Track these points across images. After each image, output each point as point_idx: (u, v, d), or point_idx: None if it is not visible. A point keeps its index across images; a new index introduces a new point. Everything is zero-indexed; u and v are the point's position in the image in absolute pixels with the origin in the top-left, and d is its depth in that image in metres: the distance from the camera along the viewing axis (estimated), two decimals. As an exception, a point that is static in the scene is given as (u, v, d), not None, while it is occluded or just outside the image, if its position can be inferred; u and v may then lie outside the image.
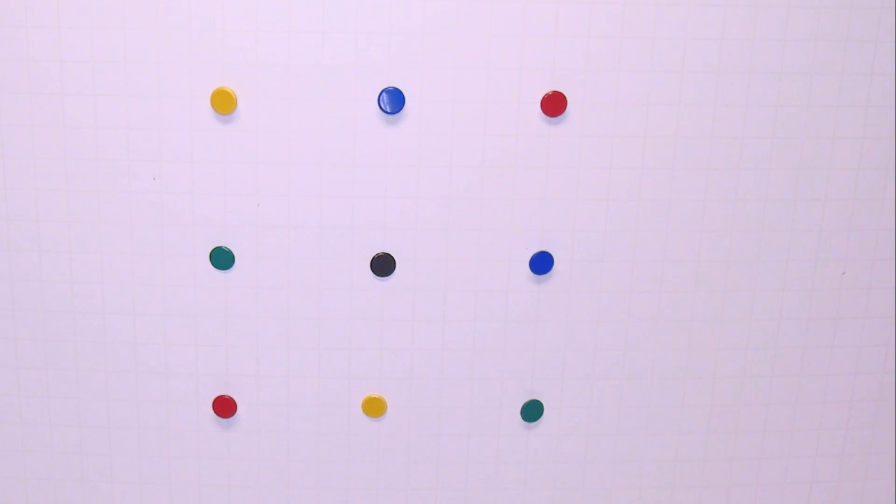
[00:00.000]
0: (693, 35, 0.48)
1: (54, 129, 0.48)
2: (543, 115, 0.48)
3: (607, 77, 0.48)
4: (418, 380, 0.52)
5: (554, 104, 0.48)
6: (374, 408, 0.52)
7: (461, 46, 0.48)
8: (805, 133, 0.50)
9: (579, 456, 0.53)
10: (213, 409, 0.52)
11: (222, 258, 0.49)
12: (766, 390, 0.53)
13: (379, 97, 0.48)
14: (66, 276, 0.50)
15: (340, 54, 0.47)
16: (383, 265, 0.50)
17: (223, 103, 0.47)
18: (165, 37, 0.47)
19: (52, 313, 0.50)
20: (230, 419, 0.52)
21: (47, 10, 0.47)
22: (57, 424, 0.52)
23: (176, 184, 0.49)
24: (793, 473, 0.54)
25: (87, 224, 0.49)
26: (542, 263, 0.50)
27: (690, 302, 0.51)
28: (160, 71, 0.47)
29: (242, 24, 0.47)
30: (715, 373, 0.52)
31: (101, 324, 0.50)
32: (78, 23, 0.47)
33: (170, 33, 0.47)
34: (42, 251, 0.49)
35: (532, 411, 0.52)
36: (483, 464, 0.53)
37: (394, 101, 0.48)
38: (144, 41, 0.47)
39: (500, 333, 0.51)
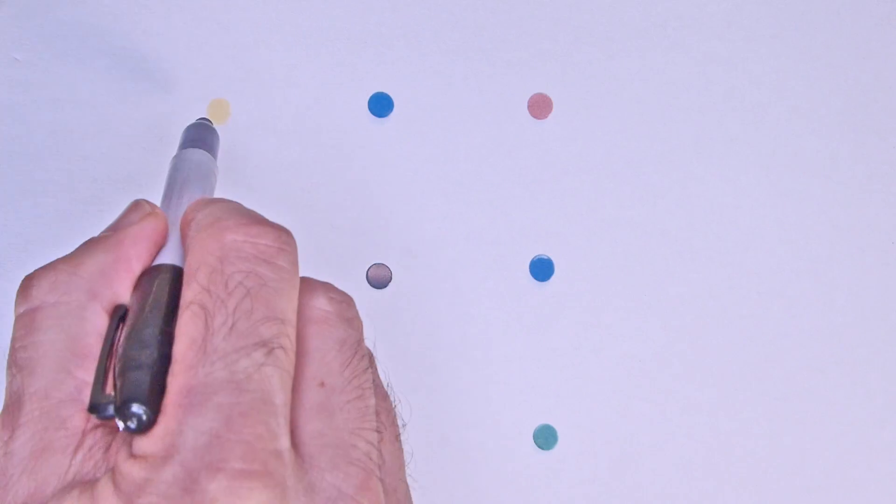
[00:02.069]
0: (696, 35, 0.48)
1: (49, 135, 0.48)
2: (538, 118, 0.48)
3: (607, 81, 0.48)
4: (417, 394, 0.52)
5: (540, 107, 0.48)
6: None
7: (452, 49, 0.48)
8: (809, 134, 0.50)
9: (583, 464, 0.53)
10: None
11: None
12: (776, 393, 0.53)
13: (368, 102, 0.48)
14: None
15: (331, 61, 0.48)
16: (379, 277, 0.50)
17: (217, 114, 0.48)
18: (161, 49, 0.47)
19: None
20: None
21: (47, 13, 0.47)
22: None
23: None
24: (797, 474, 0.53)
25: (77, 236, 0.49)
26: (542, 270, 0.50)
27: (699, 308, 0.51)
28: (159, 80, 0.47)
29: (236, 38, 0.47)
30: (724, 378, 0.52)
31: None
32: (73, 32, 0.47)
33: (166, 46, 0.47)
34: (33, 258, 0.49)
35: (546, 437, 0.51)
36: (491, 482, 0.53)
37: (382, 105, 0.48)
38: (139, 53, 0.47)
39: (500, 340, 0.51)
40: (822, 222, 0.51)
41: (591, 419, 0.52)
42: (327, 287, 0.31)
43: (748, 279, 0.51)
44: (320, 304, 0.30)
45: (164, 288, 0.29)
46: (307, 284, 0.30)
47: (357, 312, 0.31)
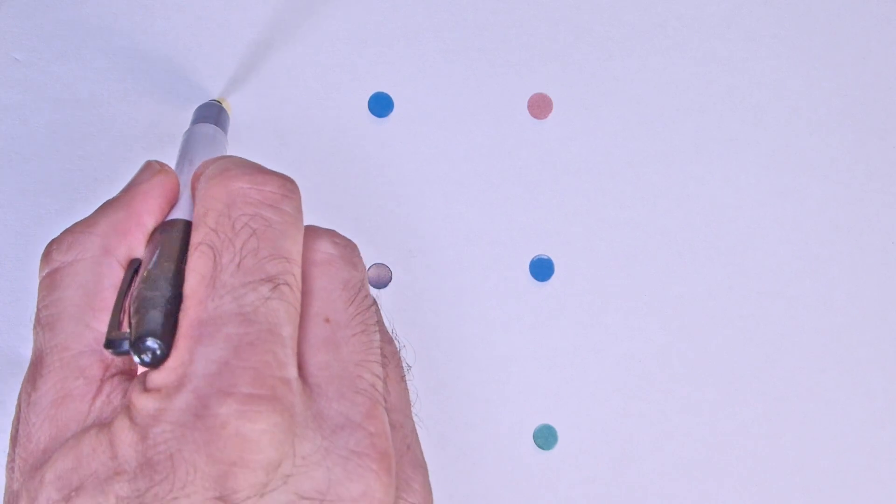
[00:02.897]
0: (696, 35, 0.48)
1: (49, 135, 0.48)
2: (538, 118, 0.48)
3: (608, 80, 0.48)
4: (418, 396, 0.52)
5: (540, 107, 0.48)
6: None
7: (452, 49, 0.48)
8: (809, 134, 0.50)
9: (583, 464, 0.53)
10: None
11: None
12: (776, 393, 0.53)
13: (368, 102, 0.48)
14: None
15: (331, 61, 0.48)
16: (379, 277, 0.50)
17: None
18: (161, 49, 0.47)
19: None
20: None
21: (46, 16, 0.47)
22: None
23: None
24: (797, 474, 0.53)
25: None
26: (542, 270, 0.50)
27: (699, 308, 0.51)
28: (159, 80, 0.47)
29: (236, 38, 0.47)
30: (724, 378, 0.52)
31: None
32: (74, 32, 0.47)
33: (166, 46, 0.47)
34: (33, 258, 0.49)
35: (546, 437, 0.51)
36: (491, 483, 0.53)
37: (382, 105, 0.48)
38: (139, 52, 0.47)
39: (500, 340, 0.51)
40: (822, 222, 0.51)
41: (591, 419, 0.51)
42: (331, 233, 0.32)
43: (748, 279, 0.51)
44: (325, 247, 0.31)
45: (176, 238, 0.31)
46: (312, 230, 0.32)
47: (361, 258, 0.33)
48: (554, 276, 0.50)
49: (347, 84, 0.48)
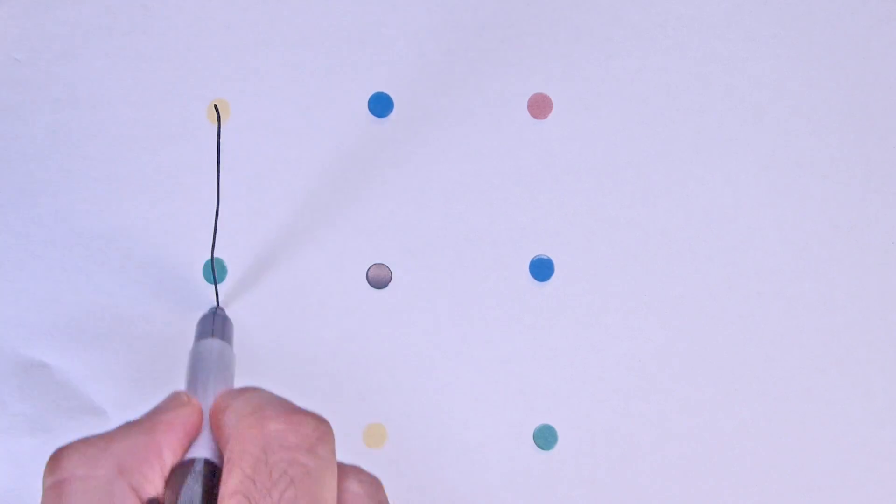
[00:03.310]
0: (696, 35, 0.48)
1: (49, 135, 0.48)
2: (538, 118, 0.48)
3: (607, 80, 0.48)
4: (417, 393, 0.52)
5: (540, 107, 0.48)
6: (375, 439, 0.51)
7: (452, 49, 0.48)
8: (809, 134, 0.50)
9: (583, 464, 0.53)
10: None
11: (215, 270, 0.49)
12: (776, 393, 0.53)
13: (368, 102, 0.48)
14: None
15: (331, 61, 0.48)
16: (379, 277, 0.50)
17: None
18: (161, 49, 0.47)
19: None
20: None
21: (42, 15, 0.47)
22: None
23: (170, 194, 0.49)
24: (797, 474, 0.53)
25: (77, 236, 0.49)
26: (542, 269, 0.50)
27: (699, 308, 0.51)
28: (159, 80, 0.47)
29: (236, 38, 0.47)
30: (724, 378, 0.52)
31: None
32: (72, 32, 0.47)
33: (166, 46, 0.47)
34: (33, 258, 0.49)
35: (546, 437, 0.51)
36: (491, 483, 0.53)
37: (382, 105, 0.48)
38: (139, 52, 0.47)
39: (500, 340, 0.51)
40: (822, 222, 0.51)
41: (591, 419, 0.51)
42: (357, 470, 0.32)
43: (748, 279, 0.51)
44: (352, 486, 0.31)
45: (201, 481, 0.30)
46: (338, 468, 0.31)
47: (386, 495, 0.32)
48: (554, 276, 0.50)
49: (347, 84, 0.48)
